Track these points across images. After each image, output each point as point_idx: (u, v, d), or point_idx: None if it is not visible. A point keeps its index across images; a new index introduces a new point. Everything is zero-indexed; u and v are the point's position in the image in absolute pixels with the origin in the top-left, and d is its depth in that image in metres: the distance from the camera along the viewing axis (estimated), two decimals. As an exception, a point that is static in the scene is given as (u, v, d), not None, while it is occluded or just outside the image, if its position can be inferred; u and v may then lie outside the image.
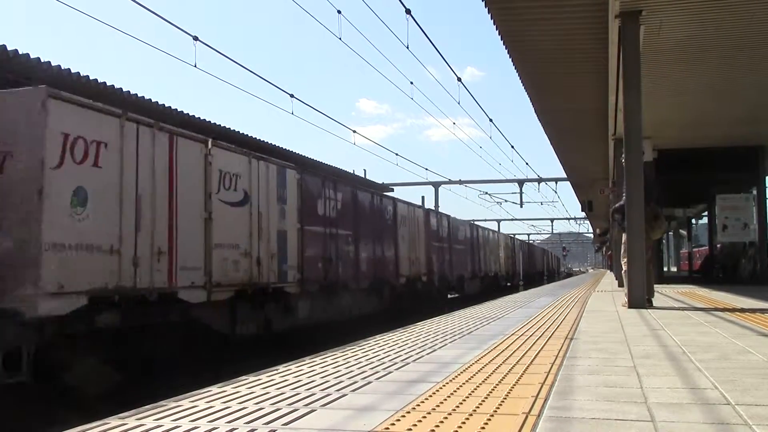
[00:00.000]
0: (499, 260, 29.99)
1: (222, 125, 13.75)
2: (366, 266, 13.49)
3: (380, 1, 13.32)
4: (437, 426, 2.20)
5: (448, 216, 21.20)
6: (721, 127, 14.79)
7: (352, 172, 22.52)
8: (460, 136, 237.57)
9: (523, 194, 33.92)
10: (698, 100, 12.64)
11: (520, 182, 33.63)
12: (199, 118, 12.99)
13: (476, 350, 4.12)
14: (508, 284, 31.63)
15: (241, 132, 14.43)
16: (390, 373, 3.33)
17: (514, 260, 34.91)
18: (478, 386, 2.90)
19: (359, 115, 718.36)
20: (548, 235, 74.83)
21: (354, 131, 20.07)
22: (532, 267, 43.15)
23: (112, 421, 2.38)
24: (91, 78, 10.06)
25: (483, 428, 2.17)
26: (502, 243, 31.87)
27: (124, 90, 10.84)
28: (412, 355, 3.96)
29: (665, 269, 22.93)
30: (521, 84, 11.89)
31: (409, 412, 2.40)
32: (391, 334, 5.28)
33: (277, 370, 3.52)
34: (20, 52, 8.79)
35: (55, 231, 5.92)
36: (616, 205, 9.02)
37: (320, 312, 11.18)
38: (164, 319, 7.33)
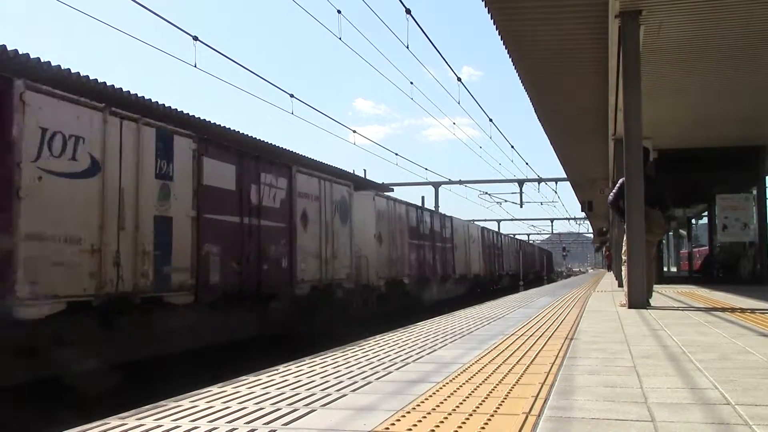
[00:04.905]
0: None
1: (221, 125, 13.73)
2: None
3: (380, 1, 13.32)
4: (437, 426, 2.20)
5: (494, 231, 34.08)
6: (721, 127, 14.78)
7: (352, 171, 22.54)
8: (460, 136, 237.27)
9: (523, 194, 33.98)
10: (698, 100, 12.62)
11: (520, 182, 33.67)
12: (199, 117, 12.98)
13: (476, 350, 4.11)
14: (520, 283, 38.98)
15: (240, 131, 14.42)
16: (390, 373, 3.33)
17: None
18: (478, 386, 2.90)
19: (356, 115, 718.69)
20: (548, 235, 74.88)
21: (354, 131, 20.14)
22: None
23: (112, 421, 2.38)
24: (91, 78, 10.06)
25: (483, 428, 2.17)
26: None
27: (124, 90, 10.84)
28: (412, 355, 3.96)
29: (665, 269, 22.90)
30: (521, 84, 11.89)
31: (409, 412, 2.40)
32: (391, 334, 5.28)
33: (277, 370, 3.52)
34: (20, 52, 8.78)
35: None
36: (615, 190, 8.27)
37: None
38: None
